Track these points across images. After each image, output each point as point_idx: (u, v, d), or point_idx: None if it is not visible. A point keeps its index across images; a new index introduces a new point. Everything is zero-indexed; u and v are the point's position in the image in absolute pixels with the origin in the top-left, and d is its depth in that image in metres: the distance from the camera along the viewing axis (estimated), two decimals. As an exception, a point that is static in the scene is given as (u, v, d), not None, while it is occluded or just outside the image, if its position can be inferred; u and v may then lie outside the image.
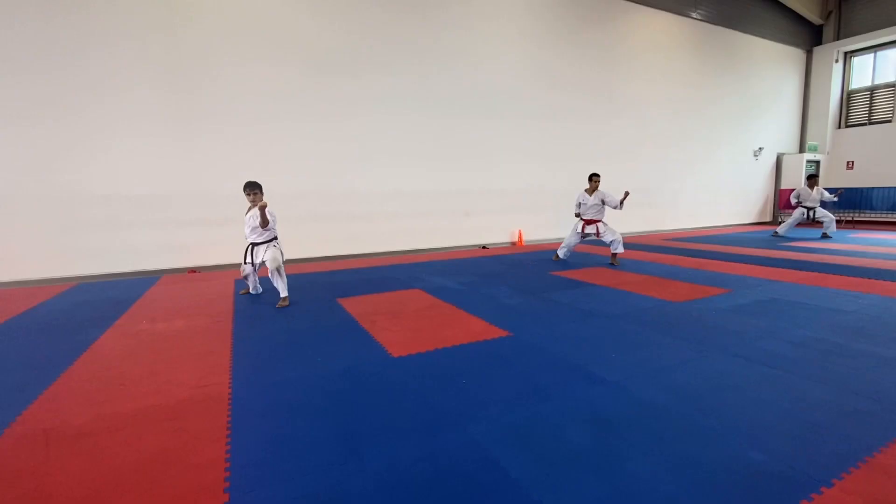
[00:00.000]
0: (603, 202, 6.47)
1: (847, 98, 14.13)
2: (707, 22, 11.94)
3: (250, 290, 4.99)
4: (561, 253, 6.95)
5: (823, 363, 2.73)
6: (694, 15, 11.66)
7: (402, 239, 8.43)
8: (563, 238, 10.21)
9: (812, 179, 9.71)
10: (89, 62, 6.02)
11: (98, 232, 6.27)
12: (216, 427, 2.09)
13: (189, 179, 6.70)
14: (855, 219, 12.74)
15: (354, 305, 4.37)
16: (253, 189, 4.42)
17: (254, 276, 4.87)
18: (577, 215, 6.69)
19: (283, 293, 4.46)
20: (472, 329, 3.54)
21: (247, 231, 4.60)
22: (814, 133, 14.49)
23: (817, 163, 14.13)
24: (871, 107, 13.56)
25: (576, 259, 7.19)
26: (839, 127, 14.25)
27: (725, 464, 1.74)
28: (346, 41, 7.57)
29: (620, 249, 6.40)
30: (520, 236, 9.63)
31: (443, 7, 8.35)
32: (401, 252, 8.38)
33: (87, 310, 4.41)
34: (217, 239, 6.90)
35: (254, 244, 4.62)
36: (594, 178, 6.44)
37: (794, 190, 10.18)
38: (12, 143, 5.76)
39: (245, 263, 4.68)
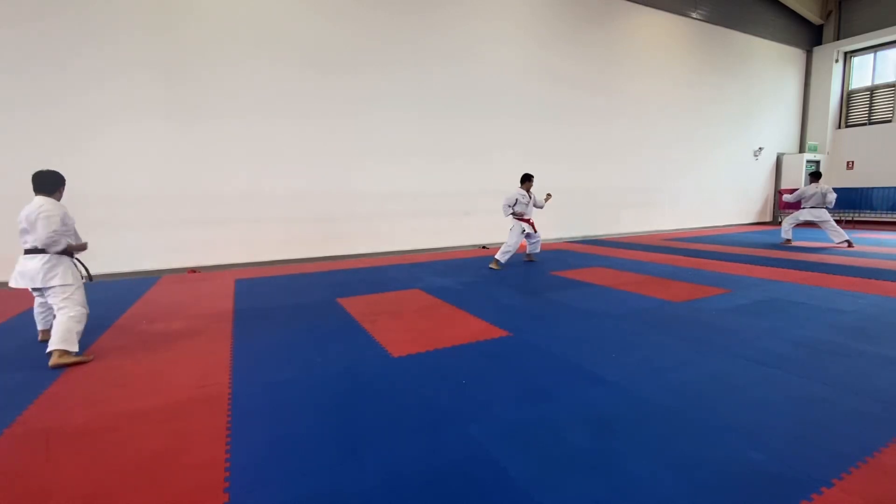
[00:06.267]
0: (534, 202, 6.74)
1: (847, 98, 14.13)
2: (707, 22, 11.94)
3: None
4: (504, 259, 6.34)
5: (823, 363, 2.73)
6: (694, 15, 11.66)
7: (401, 239, 8.43)
8: (562, 238, 10.30)
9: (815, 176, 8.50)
10: (89, 61, 6.01)
11: (97, 232, 6.22)
12: (216, 427, 2.09)
13: (189, 179, 6.69)
14: (855, 219, 12.73)
15: (354, 305, 4.36)
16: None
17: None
18: (515, 215, 6.53)
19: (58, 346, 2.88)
20: (472, 329, 3.54)
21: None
22: (814, 133, 14.50)
23: (817, 163, 14.13)
24: (870, 107, 13.56)
25: (576, 259, 7.19)
26: (839, 127, 14.26)
27: (725, 464, 1.74)
28: (346, 40, 7.57)
29: (537, 249, 6.99)
30: (520, 236, 9.62)
31: (443, 7, 8.35)
32: (401, 252, 8.37)
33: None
34: (217, 239, 6.90)
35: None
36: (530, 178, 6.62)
37: (796, 190, 9.20)
38: (12, 144, 5.75)
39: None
